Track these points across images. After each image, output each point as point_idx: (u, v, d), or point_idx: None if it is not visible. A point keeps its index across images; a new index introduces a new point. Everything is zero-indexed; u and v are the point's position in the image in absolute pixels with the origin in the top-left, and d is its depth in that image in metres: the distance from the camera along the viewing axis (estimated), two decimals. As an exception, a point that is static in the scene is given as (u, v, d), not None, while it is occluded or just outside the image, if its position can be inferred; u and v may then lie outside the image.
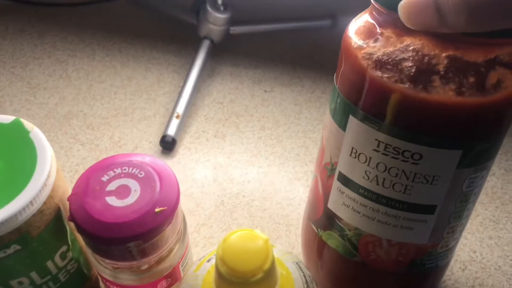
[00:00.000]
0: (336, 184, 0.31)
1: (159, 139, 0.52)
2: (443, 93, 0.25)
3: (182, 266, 0.34)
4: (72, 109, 0.55)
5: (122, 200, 0.29)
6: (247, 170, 0.51)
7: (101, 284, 0.39)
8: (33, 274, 0.30)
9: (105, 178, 0.30)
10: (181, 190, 0.40)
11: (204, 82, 0.58)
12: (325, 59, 0.60)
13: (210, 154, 0.51)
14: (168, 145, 0.51)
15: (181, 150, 0.52)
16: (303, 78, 0.59)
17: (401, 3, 0.25)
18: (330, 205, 0.33)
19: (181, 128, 0.53)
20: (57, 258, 0.31)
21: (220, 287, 0.26)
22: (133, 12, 0.66)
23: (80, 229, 0.28)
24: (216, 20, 0.56)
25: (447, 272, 0.44)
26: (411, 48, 0.26)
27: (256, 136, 0.53)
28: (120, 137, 0.52)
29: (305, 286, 0.29)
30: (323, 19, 0.64)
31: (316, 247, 0.37)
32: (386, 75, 0.26)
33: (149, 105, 0.56)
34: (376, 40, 0.27)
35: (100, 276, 0.33)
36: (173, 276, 0.33)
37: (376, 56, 0.27)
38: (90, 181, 0.30)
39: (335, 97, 0.30)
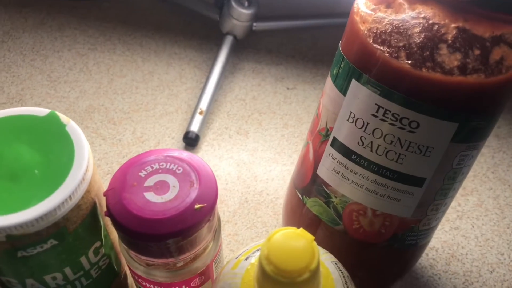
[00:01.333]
0: (328, 149, 0.32)
1: (181, 135, 0.51)
2: (448, 62, 0.26)
3: (215, 264, 0.33)
4: (93, 103, 0.54)
5: (161, 196, 0.28)
6: (271, 167, 0.50)
7: (130, 281, 0.38)
8: (67, 270, 0.30)
9: (142, 173, 0.29)
10: None
11: (226, 78, 0.57)
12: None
13: (233, 151, 0.51)
14: (191, 141, 0.51)
15: (204, 147, 0.51)
16: (325, 75, 0.58)
17: None
18: (319, 171, 0.33)
19: (204, 124, 0.52)
20: (90, 253, 0.31)
21: (264, 286, 0.25)
22: (154, 6, 0.65)
23: (118, 225, 0.28)
24: (240, 16, 0.56)
25: (475, 274, 0.43)
26: (422, 15, 0.27)
27: (279, 133, 0.53)
28: (143, 132, 0.52)
29: (345, 286, 0.29)
30: (345, 16, 0.63)
31: (299, 214, 0.37)
32: (394, 40, 0.27)
33: (171, 101, 0.55)
34: (388, 6, 0.28)
35: (132, 272, 0.32)
36: (206, 274, 0.33)
37: (387, 20, 0.27)
38: (128, 176, 0.29)
39: (338, 62, 0.31)
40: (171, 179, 0.29)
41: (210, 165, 0.48)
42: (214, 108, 0.54)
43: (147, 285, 0.32)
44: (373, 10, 0.29)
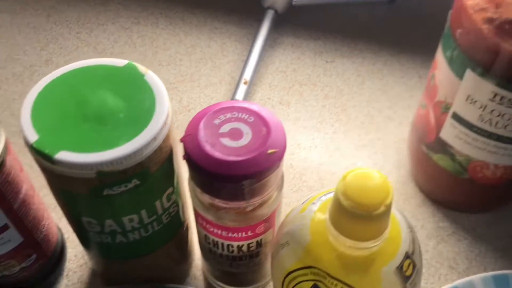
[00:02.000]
0: (449, 120, 0.35)
1: (226, 104, 0.53)
2: None
3: (277, 214, 0.35)
4: (139, 73, 0.56)
5: (236, 141, 0.30)
6: (313, 136, 0.52)
7: (190, 236, 0.40)
8: (143, 212, 0.32)
9: (217, 121, 0.31)
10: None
11: (266, 51, 0.58)
12: (384, 33, 0.61)
13: (276, 120, 0.52)
14: (236, 109, 0.52)
15: (248, 115, 0.53)
16: (363, 50, 0.59)
17: None
18: (442, 135, 0.37)
19: (247, 94, 0.54)
20: (164, 198, 0.32)
21: (339, 222, 0.27)
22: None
23: (197, 168, 0.30)
24: (282, -10, 0.57)
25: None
26: None
27: (320, 104, 0.54)
28: (189, 102, 0.54)
29: (409, 229, 0.30)
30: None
31: (425, 164, 0.42)
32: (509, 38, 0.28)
33: (214, 72, 0.57)
34: (498, 6, 0.29)
35: (201, 219, 0.34)
36: (269, 222, 0.34)
37: (500, 20, 0.28)
38: (203, 124, 0.31)
39: (451, 47, 0.32)
40: (243, 127, 0.31)
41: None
42: (256, 79, 0.56)
43: (215, 230, 0.34)
44: (483, 9, 0.30)
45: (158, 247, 0.36)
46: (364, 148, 0.51)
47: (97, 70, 0.31)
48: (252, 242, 0.35)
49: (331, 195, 0.27)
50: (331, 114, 0.53)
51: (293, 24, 0.62)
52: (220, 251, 0.36)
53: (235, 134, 0.30)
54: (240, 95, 0.53)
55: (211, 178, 0.30)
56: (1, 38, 0.59)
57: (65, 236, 0.43)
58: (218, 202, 0.32)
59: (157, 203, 0.32)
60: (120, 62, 0.32)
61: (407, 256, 0.28)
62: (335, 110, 0.54)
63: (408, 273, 0.28)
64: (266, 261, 0.38)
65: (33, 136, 0.28)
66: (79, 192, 0.29)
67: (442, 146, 0.40)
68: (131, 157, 0.28)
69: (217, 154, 0.29)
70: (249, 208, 0.32)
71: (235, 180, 0.29)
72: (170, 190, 0.33)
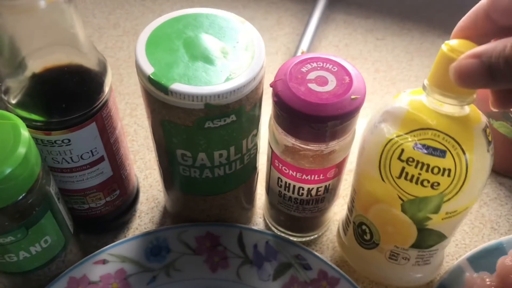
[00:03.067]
0: None
1: (283, 71, 0.56)
2: None
3: (346, 161, 0.38)
4: (201, 40, 0.59)
5: (322, 87, 0.33)
6: (364, 105, 0.55)
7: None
8: (232, 149, 0.35)
9: (304, 69, 0.34)
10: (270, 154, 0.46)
11: (319, 26, 0.62)
12: (431, 14, 0.64)
13: (330, 89, 0.56)
14: (293, 77, 0.56)
15: (303, 84, 0.56)
16: (412, 29, 0.63)
17: (452, 65, 0.29)
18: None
19: (304, 63, 0.57)
20: (249, 138, 0.36)
21: (442, 78, 0.30)
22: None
23: (287, 108, 0.33)
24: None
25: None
26: None
27: (371, 76, 0.58)
28: (248, 67, 0.57)
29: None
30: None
31: None
32: None
33: (272, 43, 0.60)
34: None
35: (278, 160, 0.37)
36: (339, 168, 0.38)
37: None
38: (291, 71, 0.34)
39: None
40: (328, 75, 0.34)
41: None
42: (310, 51, 0.59)
43: (290, 172, 0.37)
44: None
45: (234, 186, 0.39)
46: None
47: (200, 17, 0.35)
48: (321, 186, 0.38)
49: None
50: (381, 86, 0.57)
51: (345, 2, 0.65)
52: (290, 194, 0.39)
53: (321, 81, 0.34)
54: (297, 64, 0.56)
55: (299, 118, 0.33)
56: (71, 1, 0.63)
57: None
58: (299, 143, 0.35)
59: (244, 142, 0.36)
60: (221, 11, 0.35)
61: (487, 126, 0.33)
62: (386, 83, 0.57)
63: (490, 139, 0.33)
64: (328, 209, 0.42)
65: (149, 69, 0.31)
66: (184, 123, 0.32)
67: (504, 114, 0.43)
68: (234, 93, 0.31)
69: (305, 96, 0.33)
70: (326, 151, 0.36)
71: (321, 120, 0.33)
72: (254, 131, 0.36)
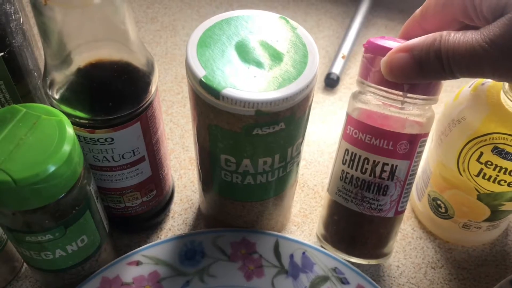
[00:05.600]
0: None
1: (322, 76, 0.55)
2: None
3: (418, 143, 0.36)
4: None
5: None
6: (405, 115, 0.53)
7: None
8: (277, 157, 0.34)
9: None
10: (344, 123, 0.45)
11: (360, 31, 0.60)
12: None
13: (369, 96, 0.55)
14: (332, 82, 0.54)
15: (342, 89, 0.55)
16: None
17: (383, 59, 0.31)
18: None
19: (343, 68, 0.56)
20: (294, 146, 0.35)
21: None
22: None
23: (377, 47, 0.33)
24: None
25: None
26: None
27: (412, 85, 0.56)
28: (287, 70, 0.56)
29: None
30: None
31: None
32: None
33: (310, 45, 0.59)
34: None
35: (350, 126, 0.37)
36: (412, 145, 0.36)
37: None
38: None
39: None
40: None
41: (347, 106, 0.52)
42: (350, 56, 0.58)
43: (360, 135, 0.36)
44: None
45: (274, 194, 0.38)
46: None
47: (252, 20, 0.34)
48: (387, 165, 0.36)
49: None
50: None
51: (386, 7, 0.64)
52: (353, 171, 0.37)
53: None
54: (337, 68, 0.55)
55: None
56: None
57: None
58: (383, 87, 0.34)
59: (289, 150, 0.34)
60: (274, 15, 0.34)
61: None
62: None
63: None
64: (389, 218, 0.38)
65: (201, 72, 0.30)
66: (232, 129, 0.31)
67: None
68: (286, 101, 0.30)
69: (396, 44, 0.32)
70: (402, 112, 0.35)
71: None
72: (300, 139, 0.35)
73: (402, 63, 0.30)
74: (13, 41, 0.36)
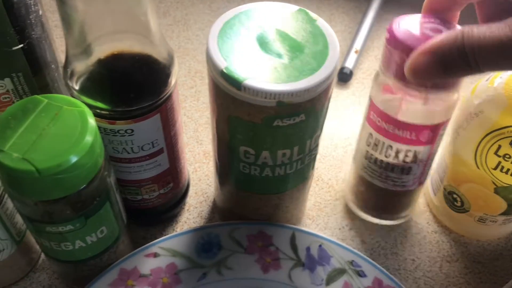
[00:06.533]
0: None
1: (335, 70, 0.55)
2: None
3: (441, 131, 0.37)
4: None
5: (435, 33, 0.33)
6: (418, 109, 0.53)
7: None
8: (295, 149, 0.34)
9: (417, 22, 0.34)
10: (357, 120, 0.47)
11: (372, 26, 0.60)
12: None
13: (382, 91, 0.55)
14: (345, 76, 0.54)
15: (355, 84, 0.55)
16: (468, 34, 0.61)
17: (407, 62, 0.29)
18: None
19: (356, 63, 0.56)
20: (313, 139, 0.35)
21: None
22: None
23: (399, 42, 0.33)
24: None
25: None
26: None
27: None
28: (300, 64, 0.56)
29: None
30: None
31: None
32: None
33: (323, 40, 0.59)
34: None
35: (373, 112, 0.37)
36: (434, 133, 0.36)
37: None
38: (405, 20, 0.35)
39: None
40: (442, 28, 0.33)
41: (361, 100, 0.52)
42: (363, 51, 0.58)
43: (383, 124, 0.37)
44: None
45: (291, 187, 0.38)
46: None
47: (271, 12, 0.34)
48: (410, 151, 0.37)
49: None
50: (435, 91, 0.55)
51: (399, 2, 0.64)
52: (377, 154, 0.39)
53: (435, 29, 0.33)
54: (350, 63, 0.55)
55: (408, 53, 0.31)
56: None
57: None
58: (402, 85, 0.34)
59: (308, 142, 0.35)
60: (293, 6, 0.34)
61: None
62: (440, 88, 0.55)
63: None
64: (411, 189, 0.41)
65: (222, 63, 0.30)
66: (253, 120, 0.31)
67: None
68: (308, 92, 0.30)
69: (420, 35, 0.32)
70: (427, 101, 0.34)
71: None
72: (318, 132, 0.35)
73: (426, 66, 0.29)
74: (32, 33, 0.36)
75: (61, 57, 0.37)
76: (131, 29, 0.32)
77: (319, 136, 0.36)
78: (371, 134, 0.38)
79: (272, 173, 0.36)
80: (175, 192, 0.42)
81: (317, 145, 0.36)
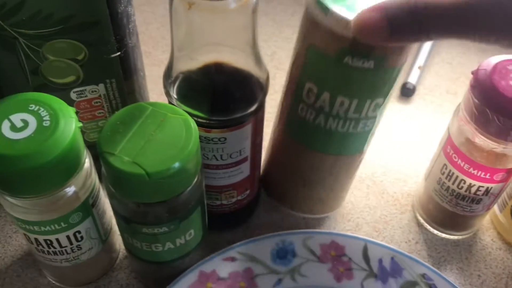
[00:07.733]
0: None
1: (397, 86, 0.56)
2: None
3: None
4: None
5: None
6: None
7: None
8: (354, 102, 0.34)
9: (510, 67, 0.35)
10: (419, 135, 0.49)
11: (435, 42, 0.61)
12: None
13: (444, 106, 0.55)
14: (408, 91, 0.55)
15: (417, 99, 0.56)
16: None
17: (354, 18, 0.28)
18: None
19: (419, 79, 0.57)
20: (372, 104, 0.34)
21: None
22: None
23: (485, 98, 0.34)
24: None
25: None
26: None
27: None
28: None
29: None
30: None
31: None
32: None
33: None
34: None
35: (450, 147, 0.38)
36: (509, 174, 0.38)
37: None
38: (497, 65, 0.35)
39: None
40: None
41: (422, 117, 0.53)
42: (425, 67, 0.59)
43: (459, 161, 0.38)
44: None
45: (338, 152, 0.38)
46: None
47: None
48: (483, 186, 0.39)
49: None
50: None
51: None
52: (449, 183, 0.40)
53: None
54: (413, 78, 0.56)
55: (495, 110, 0.34)
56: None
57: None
58: (480, 134, 0.35)
59: (366, 103, 0.34)
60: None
61: None
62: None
63: None
64: (480, 214, 0.43)
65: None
66: (327, 51, 0.32)
67: None
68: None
69: (503, 89, 0.33)
70: (503, 151, 0.36)
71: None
72: (380, 100, 0.34)
73: (373, 23, 0.27)
74: (129, 42, 0.38)
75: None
76: (235, 44, 0.33)
77: (380, 106, 0.35)
78: (445, 165, 0.40)
79: (324, 123, 0.36)
80: (250, 199, 0.43)
81: (374, 118, 0.36)
